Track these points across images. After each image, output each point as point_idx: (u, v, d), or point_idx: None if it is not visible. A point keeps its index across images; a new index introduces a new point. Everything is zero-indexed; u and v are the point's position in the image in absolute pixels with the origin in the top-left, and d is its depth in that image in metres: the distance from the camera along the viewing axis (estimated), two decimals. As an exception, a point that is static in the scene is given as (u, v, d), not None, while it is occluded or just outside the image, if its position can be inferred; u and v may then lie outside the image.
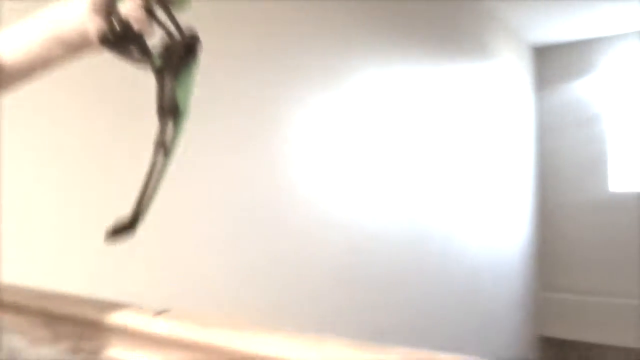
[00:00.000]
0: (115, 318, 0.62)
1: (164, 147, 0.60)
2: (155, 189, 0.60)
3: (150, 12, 0.56)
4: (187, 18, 0.58)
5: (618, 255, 4.06)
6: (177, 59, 0.58)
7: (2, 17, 1.01)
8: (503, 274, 3.46)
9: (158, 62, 0.57)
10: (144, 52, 0.56)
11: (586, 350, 4.23)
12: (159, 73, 0.57)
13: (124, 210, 0.56)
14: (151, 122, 0.59)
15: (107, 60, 0.67)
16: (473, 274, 2.95)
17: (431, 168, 2.55)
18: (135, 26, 0.55)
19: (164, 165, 0.60)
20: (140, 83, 0.77)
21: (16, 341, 0.60)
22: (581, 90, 4.17)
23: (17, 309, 0.70)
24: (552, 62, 4.26)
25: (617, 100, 3.99)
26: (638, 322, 3.85)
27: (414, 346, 0.45)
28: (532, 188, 4.08)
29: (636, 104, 3.91)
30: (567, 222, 4.27)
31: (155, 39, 0.56)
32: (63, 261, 1.12)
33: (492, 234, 3.26)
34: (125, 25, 0.55)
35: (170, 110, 0.60)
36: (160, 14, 0.56)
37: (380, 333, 2.03)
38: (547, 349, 4.24)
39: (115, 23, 0.55)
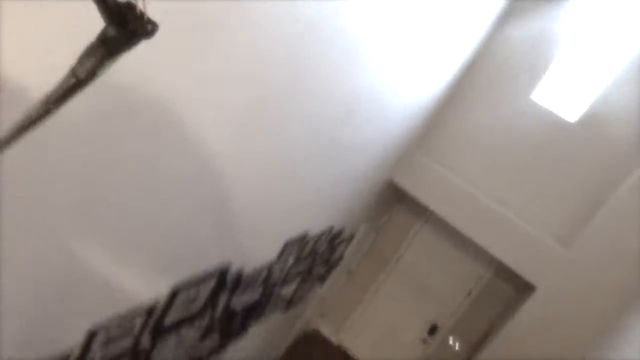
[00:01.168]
0: None
1: (76, 76, 0.67)
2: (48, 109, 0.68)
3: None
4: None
5: (504, 160, 4.39)
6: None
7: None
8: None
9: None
10: None
11: (422, 210, 5.01)
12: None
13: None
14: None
15: None
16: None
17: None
18: None
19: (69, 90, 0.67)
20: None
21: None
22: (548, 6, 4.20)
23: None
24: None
25: (578, 24, 4.10)
26: (480, 218, 4.21)
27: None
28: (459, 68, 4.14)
29: (592, 33, 4.06)
30: (475, 109, 4.50)
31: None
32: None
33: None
34: None
35: (101, 42, 0.67)
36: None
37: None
38: (392, 191, 4.92)
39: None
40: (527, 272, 4.21)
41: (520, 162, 4.38)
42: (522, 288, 4.69)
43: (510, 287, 5.35)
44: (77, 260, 1.59)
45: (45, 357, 1.75)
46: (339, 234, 4.28)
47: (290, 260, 3.54)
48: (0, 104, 1.05)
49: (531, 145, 4.31)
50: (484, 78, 4.45)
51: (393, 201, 5.67)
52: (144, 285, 2.06)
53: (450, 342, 5.78)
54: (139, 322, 2.11)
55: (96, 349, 1.95)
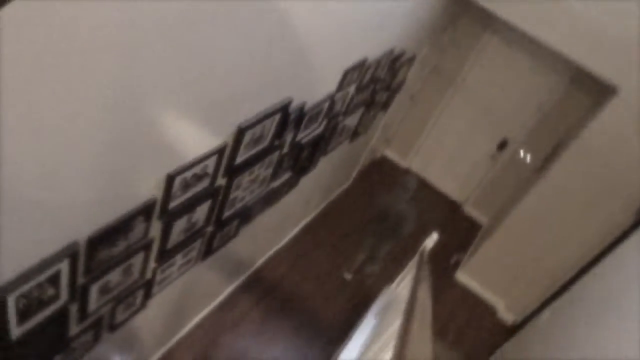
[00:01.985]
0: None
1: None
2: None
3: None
4: None
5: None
6: None
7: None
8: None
9: None
10: None
11: (489, 19, 4.66)
12: None
13: None
14: None
15: None
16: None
17: None
18: None
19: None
20: None
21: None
22: None
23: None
24: None
25: None
26: (554, 18, 3.79)
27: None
28: None
29: None
30: None
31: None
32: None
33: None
34: None
35: None
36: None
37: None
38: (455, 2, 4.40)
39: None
40: (608, 72, 3.85)
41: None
42: (601, 94, 4.37)
43: (587, 96, 5.03)
44: (147, 109, 1.58)
45: (134, 206, 1.86)
46: (400, 56, 4.04)
47: (352, 89, 3.43)
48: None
49: None
50: None
51: (457, 14, 5.20)
52: (212, 129, 2.07)
53: (521, 155, 5.72)
54: (212, 163, 2.17)
55: (177, 191, 2.05)
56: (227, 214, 2.75)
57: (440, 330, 4.62)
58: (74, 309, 1.90)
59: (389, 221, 4.36)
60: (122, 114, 1.52)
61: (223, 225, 2.80)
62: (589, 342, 2.85)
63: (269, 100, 2.37)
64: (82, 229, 1.68)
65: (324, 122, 3.34)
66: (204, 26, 1.60)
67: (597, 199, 4.27)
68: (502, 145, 5.83)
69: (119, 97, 1.46)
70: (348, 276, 4.82)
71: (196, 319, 3.80)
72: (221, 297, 4.06)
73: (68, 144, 1.39)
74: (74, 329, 2.01)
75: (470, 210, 6.39)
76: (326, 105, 3.11)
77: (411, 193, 4.32)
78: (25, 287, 1.53)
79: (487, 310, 5.27)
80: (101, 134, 1.49)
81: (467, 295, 5.32)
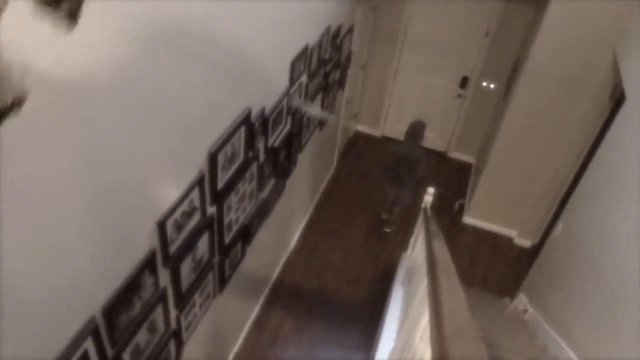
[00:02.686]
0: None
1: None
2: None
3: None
4: None
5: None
6: None
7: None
8: None
9: None
10: None
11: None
12: None
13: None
14: None
15: None
16: None
17: None
18: None
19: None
20: None
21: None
22: None
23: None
24: None
25: None
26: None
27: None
28: None
29: None
30: None
31: None
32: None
33: None
34: None
35: None
36: None
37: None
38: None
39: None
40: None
41: None
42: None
43: (527, 7, 5.08)
44: (118, 171, 1.56)
45: (136, 263, 1.84)
46: (338, 31, 4.03)
47: (304, 78, 3.42)
48: None
49: None
50: None
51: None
52: (183, 164, 2.05)
53: (484, 84, 5.77)
54: (195, 196, 2.15)
55: (172, 235, 2.03)
56: (227, 239, 2.74)
57: (466, 277, 4.67)
58: (113, 382, 1.88)
59: (403, 165, 4.85)
60: (97, 185, 1.50)
61: (228, 251, 2.79)
62: (603, 229, 2.90)
63: (229, 116, 2.35)
64: (94, 303, 1.66)
65: (289, 119, 3.33)
66: (146, 72, 1.58)
67: (567, 104, 4.32)
68: (464, 82, 5.87)
69: (92, 173, 1.44)
70: (388, 229, 5.20)
71: (235, 349, 3.79)
72: (251, 319, 4.05)
73: (58, 232, 1.37)
74: (120, 400, 1.99)
75: (456, 154, 6.44)
76: (285, 102, 3.09)
77: (422, 136, 4.93)
78: (59, 378, 1.50)
79: (504, 243, 5.34)
80: (85, 211, 1.47)
81: (481, 235, 5.38)
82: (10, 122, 1.06)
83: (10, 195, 1.15)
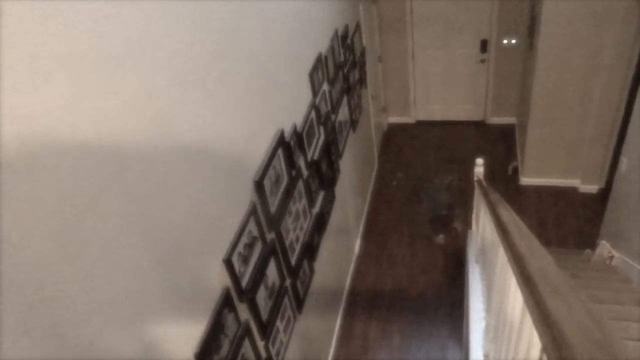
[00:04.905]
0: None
1: None
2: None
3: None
4: None
5: None
6: None
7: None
8: None
9: None
10: None
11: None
12: None
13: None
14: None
15: None
16: None
17: None
18: None
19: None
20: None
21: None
22: None
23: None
24: None
25: None
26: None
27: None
28: None
29: None
30: None
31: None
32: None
33: None
34: None
35: None
36: None
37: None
38: None
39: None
40: None
41: None
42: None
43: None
44: (175, 221, 1.60)
45: (214, 305, 1.87)
46: (346, 32, 4.02)
47: (325, 86, 3.43)
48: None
49: None
50: None
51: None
52: (234, 199, 2.08)
53: (505, 42, 5.60)
54: (252, 226, 2.18)
55: (240, 268, 2.06)
56: (293, 260, 2.75)
57: (539, 238, 4.51)
58: (222, 423, 1.91)
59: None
60: (164, 240, 1.54)
61: (296, 271, 2.80)
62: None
63: (264, 142, 2.38)
64: (187, 353, 1.70)
65: (322, 129, 3.33)
66: (187, 122, 1.62)
67: (597, 35, 4.13)
68: (484, 46, 5.72)
69: (158, 233, 1.48)
70: (440, 240, 4.84)
71: (328, 365, 3.79)
72: (336, 332, 4.04)
73: (143, 295, 1.41)
74: None
75: (495, 120, 6.26)
76: (313, 114, 3.10)
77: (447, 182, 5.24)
78: None
79: (569, 194, 5.13)
80: (159, 273, 1.51)
81: (542, 193, 5.19)
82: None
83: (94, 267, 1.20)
